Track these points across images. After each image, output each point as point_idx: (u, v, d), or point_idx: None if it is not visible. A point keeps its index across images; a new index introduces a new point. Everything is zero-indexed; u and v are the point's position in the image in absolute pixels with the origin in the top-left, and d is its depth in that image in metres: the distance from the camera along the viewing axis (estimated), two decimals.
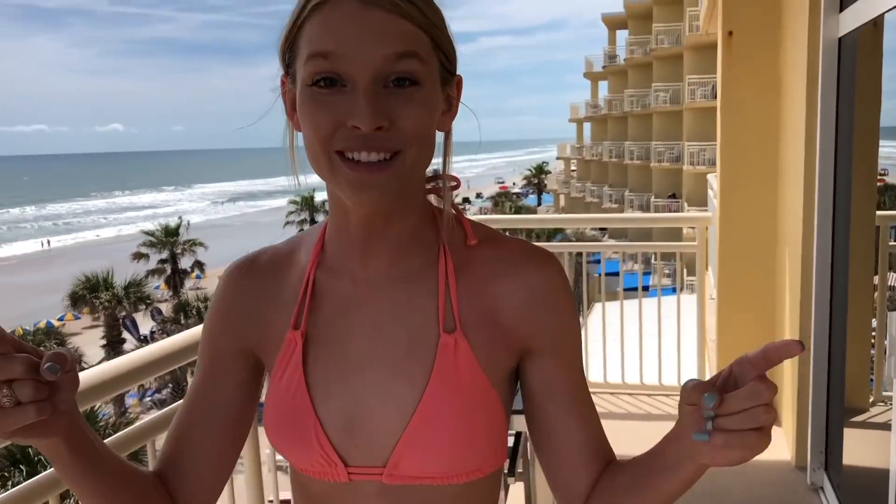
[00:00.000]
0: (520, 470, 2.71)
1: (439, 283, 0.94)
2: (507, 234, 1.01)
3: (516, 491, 2.87)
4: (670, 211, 34.01)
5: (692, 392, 0.77)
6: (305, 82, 0.86)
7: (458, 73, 0.95)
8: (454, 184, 0.99)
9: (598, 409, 0.98)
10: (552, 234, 29.82)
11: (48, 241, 61.48)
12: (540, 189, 64.01)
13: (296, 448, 0.94)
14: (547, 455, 1.00)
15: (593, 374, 4.79)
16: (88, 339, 28.60)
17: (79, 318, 32.42)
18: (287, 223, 46.00)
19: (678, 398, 0.82)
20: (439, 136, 0.94)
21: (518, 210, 47.18)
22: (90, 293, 27.24)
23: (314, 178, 0.90)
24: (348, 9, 0.83)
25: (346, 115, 0.83)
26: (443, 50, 0.90)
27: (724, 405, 0.75)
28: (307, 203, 45.92)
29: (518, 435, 2.77)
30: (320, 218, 47.26)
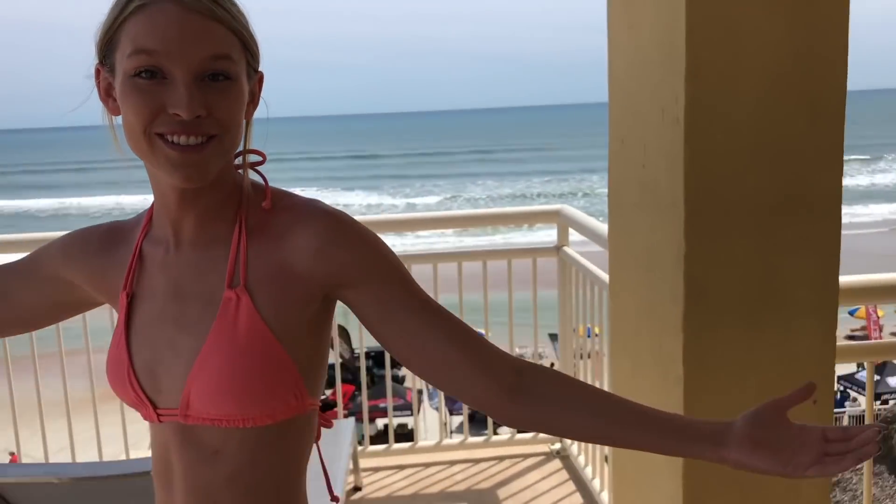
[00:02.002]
0: None
1: (232, 246, 1.05)
2: None
3: None
4: None
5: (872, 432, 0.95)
6: (128, 73, 0.97)
7: (260, 70, 1.06)
8: (259, 158, 1.10)
9: None
10: None
11: None
12: None
13: (120, 390, 1.11)
14: (438, 378, 1.06)
15: None
16: None
17: None
18: None
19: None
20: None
21: None
22: None
23: None
24: (170, 12, 0.95)
25: (167, 103, 0.96)
26: (249, 50, 1.03)
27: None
28: None
29: None
30: None
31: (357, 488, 3.51)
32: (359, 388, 6.32)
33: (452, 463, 3.73)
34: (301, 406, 1.05)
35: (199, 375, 1.02)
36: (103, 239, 1.16)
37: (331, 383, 3.32)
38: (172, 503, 1.09)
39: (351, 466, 3.41)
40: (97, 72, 1.03)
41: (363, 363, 3.92)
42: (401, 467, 3.73)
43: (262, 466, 1.06)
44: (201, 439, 1.05)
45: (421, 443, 3.92)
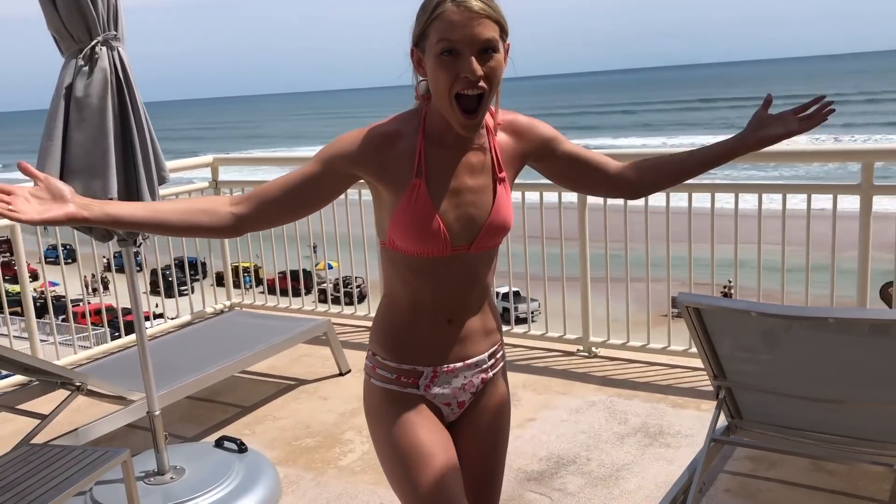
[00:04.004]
0: None
1: (490, 149, 1.69)
2: None
3: None
4: None
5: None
6: (437, 54, 1.53)
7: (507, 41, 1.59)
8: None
9: None
10: None
11: None
12: None
13: (426, 240, 1.62)
14: (595, 187, 1.90)
15: None
16: None
17: None
18: None
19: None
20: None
21: None
22: None
23: None
24: (461, 15, 1.50)
25: (460, 70, 1.52)
26: (504, 31, 1.56)
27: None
28: None
29: None
30: None
31: None
32: None
33: None
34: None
35: (491, 224, 1.67)
36: (383, 142, 1.64)
37: None
38: (445, 296, 1.71)
39: None
40: (412, 51, 1.62)
41: None
42: None
43: (492, 269, 1.79)
44: (476, 258, 1.71)
45: None
